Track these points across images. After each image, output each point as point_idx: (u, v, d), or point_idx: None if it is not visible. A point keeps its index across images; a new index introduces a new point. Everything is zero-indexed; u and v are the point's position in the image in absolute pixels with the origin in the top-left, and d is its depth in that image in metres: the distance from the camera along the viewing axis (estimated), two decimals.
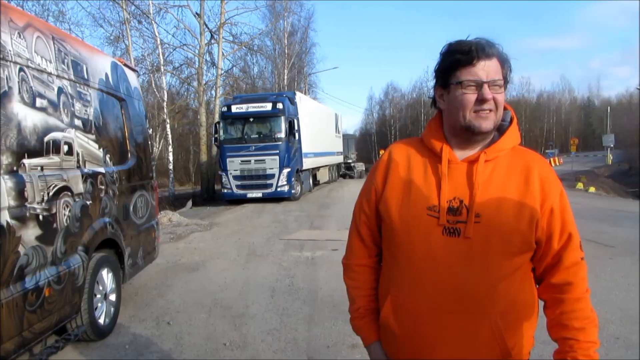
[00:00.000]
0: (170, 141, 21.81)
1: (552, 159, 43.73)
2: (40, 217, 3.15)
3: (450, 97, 1.32)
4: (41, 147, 3.26)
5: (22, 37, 3.15)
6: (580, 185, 22.64)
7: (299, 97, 17.90)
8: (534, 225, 1.27)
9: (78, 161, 3.75)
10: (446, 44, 1.34)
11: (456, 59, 1.29)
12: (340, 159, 27.36)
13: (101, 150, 4.18)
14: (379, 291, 1.48)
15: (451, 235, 1.28)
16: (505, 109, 1.39)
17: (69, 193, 3.52)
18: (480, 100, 1.27)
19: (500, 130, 1.38)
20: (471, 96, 1.28)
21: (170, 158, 21.65)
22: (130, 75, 5.21)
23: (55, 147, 3.43)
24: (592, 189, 21.75)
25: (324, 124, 22.30)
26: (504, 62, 1.32)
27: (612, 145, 39.25)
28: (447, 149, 1.34)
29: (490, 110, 1.29)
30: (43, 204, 3.18)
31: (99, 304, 4.00)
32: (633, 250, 6.97)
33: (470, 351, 1.28)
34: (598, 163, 40.70)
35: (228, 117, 15.73)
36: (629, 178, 29.94)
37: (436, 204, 1.30)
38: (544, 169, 1.33)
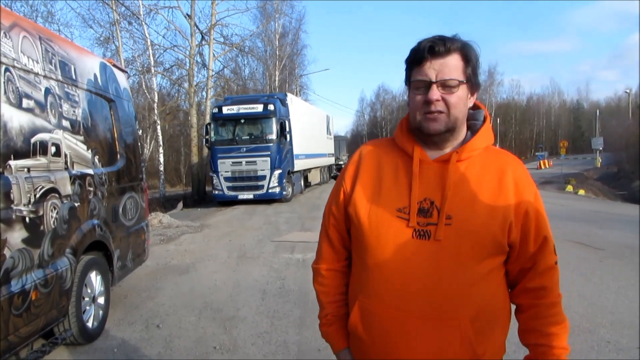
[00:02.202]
0: (161, 142, 21.71)
1: (541, 162, 44.11)
2: (27, 219, 3.10)
3: (408, 98, 1.29)
4: (28, 148, 3.21)
5: (8, 37, 3.10)
6: (569, 188, 22.85)
7: (291, 98, 17.89)
8: (507, 228, 1.22)
9: (66, 162, 3.70)
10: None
11: (410, 59, 1.26)
12: (331, 160, 27.38)
13: (90, 151, 4.13)
14: (348, 296, 1.42)
15: (421, 238, 1.22)
16: (478, 107, 1.35)
17: (57, 195, 3.48)
18: (426, 102, 1.22)
19: (473, 130, 1.33)
20: (421, 97, 1.23)
21: (161, 159, 21.56)
22: (120, 76, 5.16)
23: (43, 148, 3.39)
24: (581, 192, 21.97)
25: (316, 125, 22.31)
26: (469, 60, 1.24)
27: (601, 148, 39.50)
28: (418, 149, 1.29)
29: (441, 112, 1.22)
30: (30, 206, 3.13)
31: (87, 307, 3.96)
32: (623, 253, 7.03)
33: (439, 358, 1.23)
34: (587, 166, 40.99)
35: (219, 119, 15.67)
36: (617, 181, 30.24)
37: (406, 205, 1.24)
38: (518, 170, 1.28)
